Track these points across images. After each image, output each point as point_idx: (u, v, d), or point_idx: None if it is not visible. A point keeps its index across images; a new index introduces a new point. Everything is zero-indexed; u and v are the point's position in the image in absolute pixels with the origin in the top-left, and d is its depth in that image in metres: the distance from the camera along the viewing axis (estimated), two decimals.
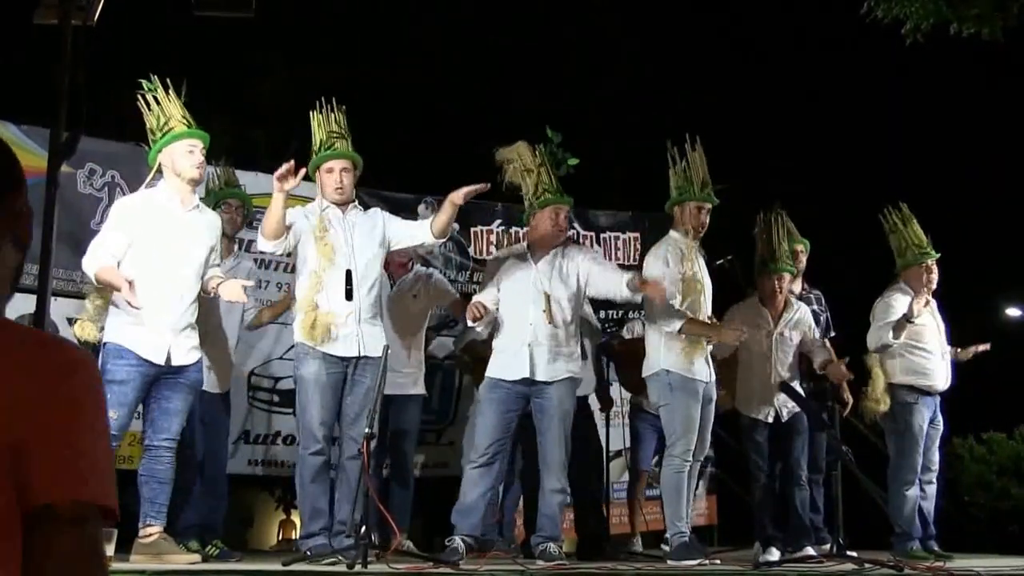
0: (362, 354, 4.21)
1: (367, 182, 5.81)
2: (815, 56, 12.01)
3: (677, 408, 4.61)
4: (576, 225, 6.85)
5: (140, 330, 3.90)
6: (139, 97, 4.19)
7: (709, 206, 4.79)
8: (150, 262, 3.94)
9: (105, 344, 3.96)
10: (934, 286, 5.34)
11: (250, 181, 5.84)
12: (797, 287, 5.45)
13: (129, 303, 3.76)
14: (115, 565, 3.42)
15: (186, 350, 4.01)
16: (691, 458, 4.62)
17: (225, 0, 3.61)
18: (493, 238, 6.50)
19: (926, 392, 5.26)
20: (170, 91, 4.20)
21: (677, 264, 4.67)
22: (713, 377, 4.74)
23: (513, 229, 6.49)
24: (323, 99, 4.43)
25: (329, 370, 4.19)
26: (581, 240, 6.72)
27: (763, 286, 5.17)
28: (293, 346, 4.38)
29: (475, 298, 4.59)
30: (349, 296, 4.16)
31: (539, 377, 4.45)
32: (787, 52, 12.02)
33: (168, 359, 3.94)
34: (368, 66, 11.50)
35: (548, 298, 4.50)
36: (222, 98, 10.71)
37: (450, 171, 6.45)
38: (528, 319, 4.50)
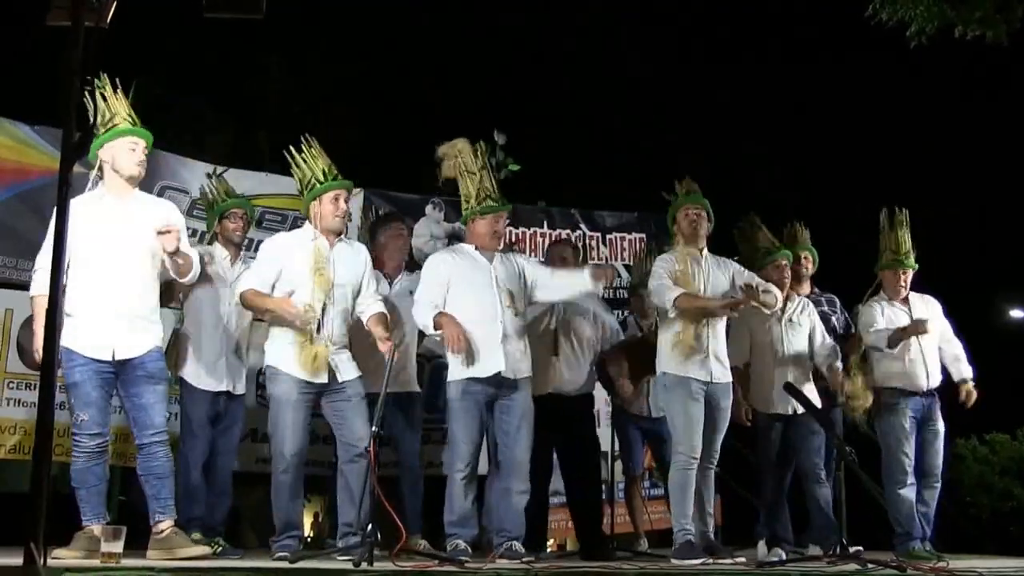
0: (339, 380, 4.36)
1: (375, 183, 5.86)
2: (819, 58, 12.03)
3: (673, 406, 4.71)
4: (582, 226, 6.88)
5: (83, 330, 3.94)
6: (86, 94, 4.21)
7: (694, 207, 4.91)
8: (87, 261, 3.92)
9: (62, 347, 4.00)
10: (903, 293, 5.46)
11: (254, 182, 5.90)
12: (806, 290, 5.52)
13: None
14: (127, 561, 3.46)
15: (131, 343, 3.99)
16: (697, 456, 4.63)
17: (236, 2, 3.64)
18: None
19: (912, 393, 5.32)
20: (118, 90, 4.21)
21: (669, 263, 4.81)
22: (722, 379, 4.75)
23: (520, 229, 6.52)
24: (305, 137, 4.56)
25: (303, 392, 4.32)
26: (587, 241, 6.75)
27: (768, 276, 5.18)
28: None
29: (425, 302, 4.51)
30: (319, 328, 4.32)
31: (510, 375, 4.49)
32: (793, 54, 12.03)
33: (113, 355, 3.96)
34: (373, 66, 11.53)
35: (512, 296, 4.55)
36: (226, 99, 10.76)
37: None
38: (497, 316, 4.50)
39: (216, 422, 4.72)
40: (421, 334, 5.28)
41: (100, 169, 4.13)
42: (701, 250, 4.91)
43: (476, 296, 4.53)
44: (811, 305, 5.36)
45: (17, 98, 6.66)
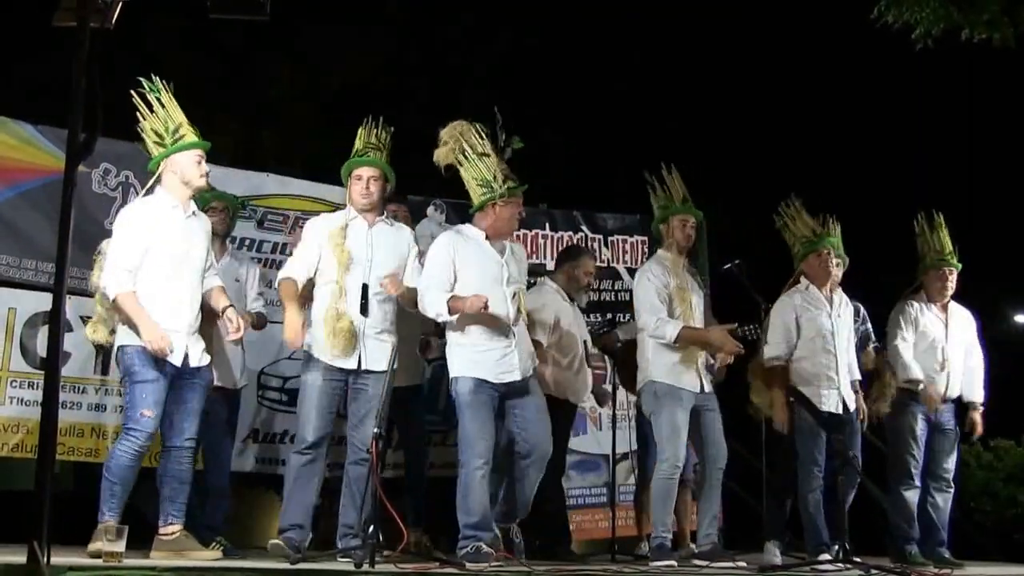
0: (363, 368, 4.32)
1: None
2: (823, 60, 12.01)
3: (662, 415, 4.70)
4: (584, 228, 6.87)
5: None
6: (135, 96, 4.20)
7: (692, 219, 4.90)
8: (162, 268, 4.01)
9: (125, 347, 4.00)
10: (948, 294, 5.39)
11: (257, 182, 5.91)
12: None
13: (157, 350, 3.91)
14: (130, 561, 3.46)
15: (200, 352, 4.12)
16: (681, 464, 4.69)
17: (241, 3, 3.65)
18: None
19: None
20: (171, 94, 4.22)
21: (662, 277, 4.78)
22: (709, 389, 4.78)
23: (522, 231, 6.51)
24: (371, 116, 4.54)
25: (330, 378, 4.31)
26: (588, 243, 6.74)
27: (810, 266, 5.11)
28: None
29: (435, 289, 4.30)
30: (364, 311, 4.26)
31: (522, 377, 4.43)
32: (797, 56, 12.02)
33: (186, 361, 4.02)
34: (376, 67, 11.53)
35: (518, 295, 4.47)
36: (229, 99, 10.76)
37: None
38: (508, 317, 4.40)
39: (208, 420, 4.70)
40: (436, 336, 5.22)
41: (159, 178, 4.15)
42: (685, 265, 4.94)
43: (484, 291, 4.32)
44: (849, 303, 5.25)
45: (20, 97, 6.67)
